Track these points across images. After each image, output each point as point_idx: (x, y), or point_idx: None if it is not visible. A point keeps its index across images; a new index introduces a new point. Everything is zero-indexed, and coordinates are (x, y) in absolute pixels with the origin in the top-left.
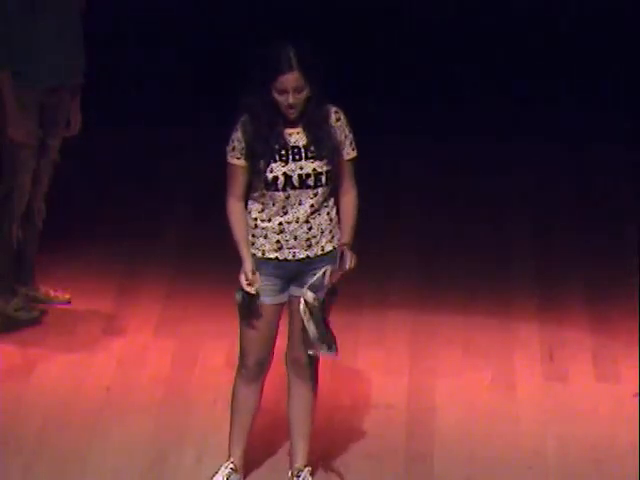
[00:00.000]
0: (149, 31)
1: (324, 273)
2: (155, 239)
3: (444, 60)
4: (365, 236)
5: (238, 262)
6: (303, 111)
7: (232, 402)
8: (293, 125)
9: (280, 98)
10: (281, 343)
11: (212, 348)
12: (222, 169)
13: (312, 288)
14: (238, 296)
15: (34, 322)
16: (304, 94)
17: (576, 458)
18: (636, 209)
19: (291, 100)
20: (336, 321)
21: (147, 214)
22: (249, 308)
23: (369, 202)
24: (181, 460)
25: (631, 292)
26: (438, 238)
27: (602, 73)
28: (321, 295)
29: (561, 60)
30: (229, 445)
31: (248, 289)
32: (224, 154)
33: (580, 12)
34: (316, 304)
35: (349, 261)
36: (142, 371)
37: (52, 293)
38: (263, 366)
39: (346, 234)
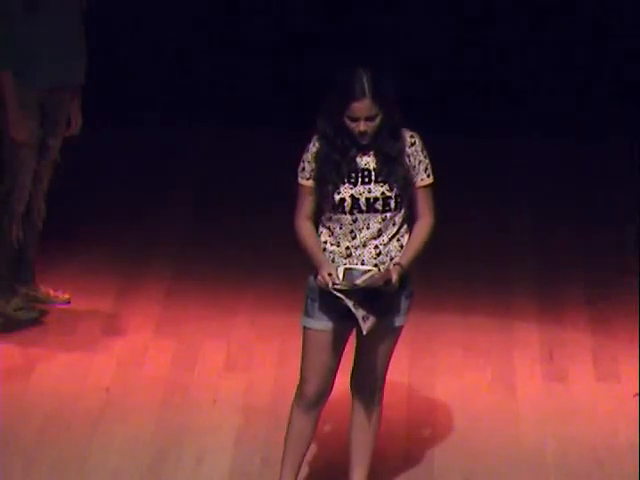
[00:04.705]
0: (150, 29)
1: (368, 271)
2: (155, 239)
3: (444, 60)
4: None
5: (238, 261)
6: (376, 134)
7: (288, 430)
8: (365, 148)
9: (352, 125)
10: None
11: (212, 348)
12: (223, 169)
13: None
14: (305, 322)
15: (34, 322)
16: (377, 122)
17: (576, 458)
18: (636, 209)
19: (362, 128)
20: None
21: (147, 214)
22: (314, 335)
23: None
24: (181, 460)
25: (631, 292)
26: (438, 238)
27: (602, 71)
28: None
29: (561, 60)
30: (281, 473)
31: (330, 288)
32: (225, 154)
33: (578, 12)
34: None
35: (384, 278)
36: (142, 371)
37: (52, 293)
38: (322, 397)
39: (404, 255)
